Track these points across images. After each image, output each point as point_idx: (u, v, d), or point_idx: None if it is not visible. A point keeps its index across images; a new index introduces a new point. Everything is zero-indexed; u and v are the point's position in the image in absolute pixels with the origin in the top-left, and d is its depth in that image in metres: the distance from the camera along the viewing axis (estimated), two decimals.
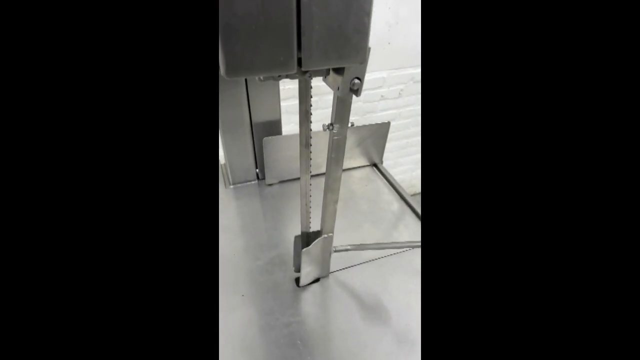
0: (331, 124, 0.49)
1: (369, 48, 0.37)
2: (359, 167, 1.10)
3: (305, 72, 0.38)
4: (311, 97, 0.49)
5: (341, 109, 0.47)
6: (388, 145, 1.09)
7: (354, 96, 0.44)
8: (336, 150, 0.52)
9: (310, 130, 0.53)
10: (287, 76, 0.37)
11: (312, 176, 0.60)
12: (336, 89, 0.44)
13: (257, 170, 1.02)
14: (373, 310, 0.68)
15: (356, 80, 0.42)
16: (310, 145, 0.55)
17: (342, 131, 0.49)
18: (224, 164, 1.01)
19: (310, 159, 0.57)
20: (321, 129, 0.50)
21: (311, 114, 0.51)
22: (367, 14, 0.33)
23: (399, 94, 1.78)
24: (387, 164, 1.27)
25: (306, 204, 0.62)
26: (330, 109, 0.48)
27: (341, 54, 0.35)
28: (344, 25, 0.33)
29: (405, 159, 2.13)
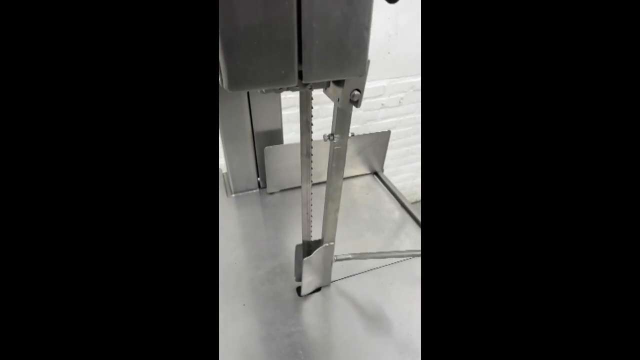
0: (332, 135, 0.49)
1: (369, 60, 0.37)
2: (360, 175, 1.10)
3: (306, 84, 0.39)
4: (312, 107, 0.50)
5: (341, 119, 0.48)
6: (389, 153, 1.10)
7: (354, 106, 0.45)
8: (337, 160, 0.52)
9: (311, 140, 0.54)
10: (288, 88, 0.38)
11: (313, 185, 0.60)
12: (336, 100, 0.45)
13: (259, 178, 1.03)
14: (375, 320, 0.68)
15: (356, 92, 0.42)
16: (311, 154, 0.55)
17: (342, 141, 0.50)
18: (226, 173, 1.02)
19: (311, 168, 0.57)
20: (322, 138, 0.51)
21: (312, 124, 0.52)
22: (366, 28, 0.34)
23: (399, 102, 1.80)
24: (388, 171, 1.27)
25: (307, 213, 0.62)
26: (331, 117, 0.49)
27: (341, 67, 0.36)
28: (344, 40, 0.34)
29: (405, 167, 2.14)
